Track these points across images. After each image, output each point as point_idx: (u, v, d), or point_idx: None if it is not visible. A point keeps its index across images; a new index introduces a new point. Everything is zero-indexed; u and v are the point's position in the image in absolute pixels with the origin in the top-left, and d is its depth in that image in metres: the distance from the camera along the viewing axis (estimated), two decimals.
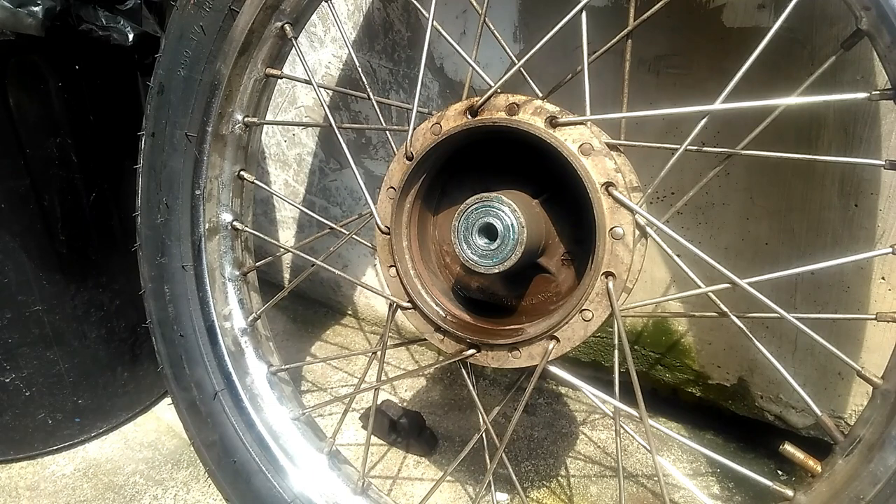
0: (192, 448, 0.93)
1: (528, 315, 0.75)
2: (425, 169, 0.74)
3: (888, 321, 0.62)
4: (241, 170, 0.93)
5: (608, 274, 0.64)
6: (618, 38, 0.66)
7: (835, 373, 0.99)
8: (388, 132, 0.83)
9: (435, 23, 0.76)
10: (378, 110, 0.82)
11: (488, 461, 0.79)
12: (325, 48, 1.33)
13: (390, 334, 1.19)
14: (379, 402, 1.12)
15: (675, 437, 0.74)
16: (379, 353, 0.84)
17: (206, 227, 0.91)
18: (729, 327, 0.65)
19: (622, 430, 0.74)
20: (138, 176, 0.93)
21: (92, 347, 1.15)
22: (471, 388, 0.78)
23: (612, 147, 0.65)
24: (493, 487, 0.83)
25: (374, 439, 1.16)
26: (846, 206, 0.89)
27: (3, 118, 0.95)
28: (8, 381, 1.09)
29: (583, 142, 0.64)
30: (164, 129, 0.89)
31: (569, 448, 1.15)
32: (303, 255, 0.92)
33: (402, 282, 0.75)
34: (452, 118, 0.71)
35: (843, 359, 0.61)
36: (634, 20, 0.65)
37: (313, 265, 0.89)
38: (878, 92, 0.56)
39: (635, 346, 1.18)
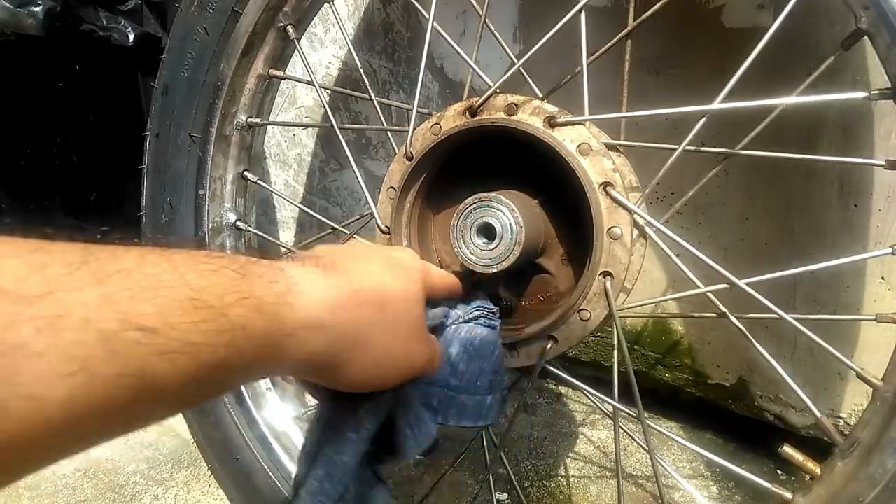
0: (192, 447, 0.93)
1: (527, 315, 0.75)
2: (425, 169, 0.74)
3: (888, 322, 0.62)
4: (245, 170, 0.93)
5: (606, 274, 0.64)
6: (617, 38, 0.66)
7: (834, 373, 0.99)
8: (388, 132, 0.83)
9: (435, 23, 0.76)
10: (378, 110, 0.82)
11: (488, 461, 0.79)
12: (325, 49, 1.34)
13: None
14: None
15: (674, 437, 0.74)
16: None
17: (210, 226, 0.91)
18: (728, 327, 0.65)
19: (621, 430, 0.74)
20: (143, 176, 0.93)
21: None
22: None
23: (610, 147, 0.65)
24: (492, 487, 0.83)
25: None
26: (846, 206, 0.89)
27: (4, 118, 0.96)
28: None
29: (581, 142, 0.64)
30: (168, 130, 0.89)
31: (569, 448, 1.15)
32: None
33: None
34: (452, 118, 0.71)
35: (842, 360, 0.61)
36: (634, 20, 0.65)
37: None
38: (877, 92, 0.56)
39: (635, 346, 1.18)
